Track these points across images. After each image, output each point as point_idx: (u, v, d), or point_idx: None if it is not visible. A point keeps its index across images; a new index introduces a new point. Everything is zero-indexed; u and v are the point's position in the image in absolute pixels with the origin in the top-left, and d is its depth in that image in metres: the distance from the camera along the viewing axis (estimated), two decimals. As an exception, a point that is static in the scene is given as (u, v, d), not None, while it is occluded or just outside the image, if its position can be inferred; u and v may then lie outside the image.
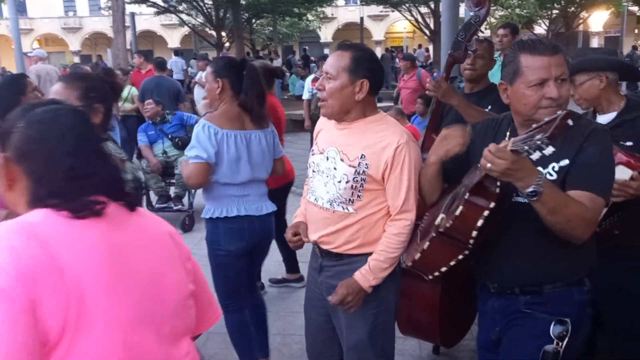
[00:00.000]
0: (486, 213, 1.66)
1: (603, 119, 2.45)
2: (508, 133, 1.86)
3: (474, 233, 1.68)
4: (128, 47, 16.62)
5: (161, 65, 8.18)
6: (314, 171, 2.20)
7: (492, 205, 1.65)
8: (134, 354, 1.05)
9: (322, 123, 2.31)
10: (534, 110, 1.72)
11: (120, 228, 1.13)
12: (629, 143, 2.30)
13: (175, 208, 5.93)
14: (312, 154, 2.24)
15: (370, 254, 2.13)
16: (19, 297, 0.92)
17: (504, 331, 1.91)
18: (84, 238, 1.05)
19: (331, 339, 2.33)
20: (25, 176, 1.11)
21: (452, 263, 1.82)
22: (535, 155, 1.49)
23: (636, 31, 33.54)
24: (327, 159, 2.14)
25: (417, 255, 1.88)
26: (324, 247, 2.17)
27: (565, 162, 1.72)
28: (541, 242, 1.75)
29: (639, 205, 2.35)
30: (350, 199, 2.08)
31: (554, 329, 1.75)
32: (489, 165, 1.55)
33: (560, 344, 1.74)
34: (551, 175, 1.73)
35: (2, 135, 1.14)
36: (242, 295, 2.97)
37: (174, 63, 15.34)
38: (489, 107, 3.09)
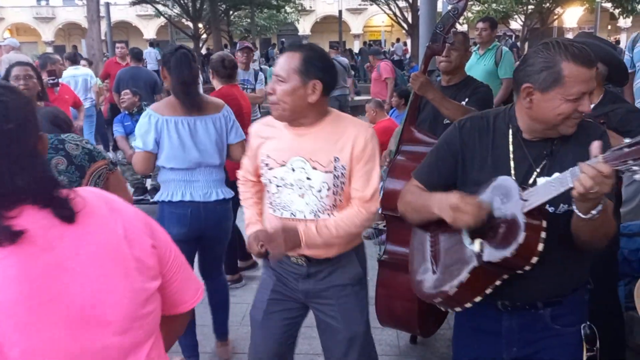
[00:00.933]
0: (544, 235, 1.49)
1: None
2: (511, 138, 1.73)
3: (534, 259, 1.50)
4: (103, 37, 16.35)
5: (138, 55, 8.06)
6: (278, 186, 2.04)
7: (544, 224, 1.50)
8: None
9: (265, 133, 2.11)
10: (563, 121, 1.59)
11: (50, 247, 0.98)
12: None
13: (152, 200, 5.87)
14: (269, 169, 2.05)
15: (357, 245, 2.18)
16: None
17: (524, 350, 1.77)
18: None
19: (287, 352, 2.30)
20: None
21: (488, 291, 1.62)
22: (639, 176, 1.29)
23: (609, 27, 34.11)
24: (293, 170, 2.01)
25: (453, 291, 1.63)
26: (312, 256, 2.10)
27: None
28: (563, 253, 1.64)
29: None
30: (333, 205, 2.03)
31: (584, 337, 1.73)
32: (590, 184, 1.33)
33: (594, 348, 1.71)
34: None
35: None
36: None
37: (148, 54, 15.38)
38: (465, 100, 3.13)
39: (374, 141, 2.02)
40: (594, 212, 1.42)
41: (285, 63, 1.94)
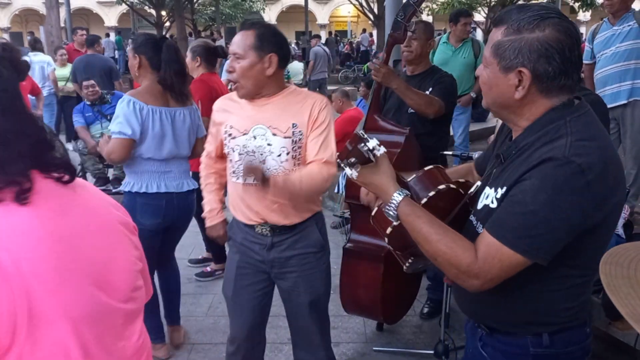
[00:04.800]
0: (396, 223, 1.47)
1: None
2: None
3: (387, 232, 1.49)
4: (62, 25, 15.87)
5: (90, 42, 7.82)
6: (240, 154, 2.17)
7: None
8: (90, 351, 0.99)
9: (229, 107, 2.25)
10: None
11: (64, 212, 0.99)
12: None
13: (114, 190, 5.75)
14: (232, 138, 2.19)
15: (316, 213, 2.31)
16: None
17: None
18: (24, 231, 0.92)
19: (262, 324, 2.43)
20: None
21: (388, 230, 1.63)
22: (348, 172, 1.42)
23: (569, 20, 34.83)
24: (255, 137, 2.14)
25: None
26: (276, 223, 2.21)
27: (504, 189, 1.35)
28: None
29: None
30: (292, 169, 2.15)
31: None
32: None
33: None
34: (493, 203, 1.38)
35: None
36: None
37: (105, 43, 15.21)
38: (430, 89, 3.15)
39: (329, 109, 2.20)
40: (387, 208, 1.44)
41: (241, 41, 2.07)
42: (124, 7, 27.57)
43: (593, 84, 4.39)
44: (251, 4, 30.68)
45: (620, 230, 3.21)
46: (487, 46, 1.38)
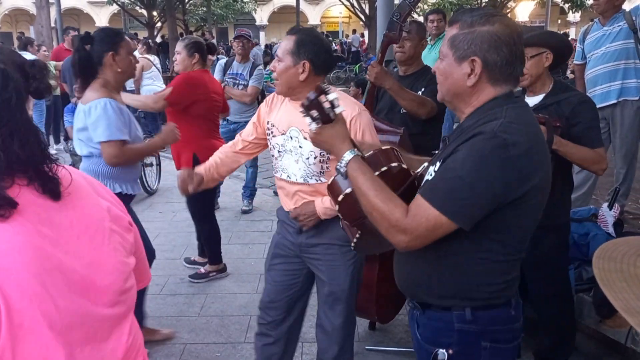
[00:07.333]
0: (346, 191, 1.62)
1: (532, 100, 2.53)
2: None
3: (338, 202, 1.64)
4: (52, 25, 15.78)
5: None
6: (279, 152, 2.31)
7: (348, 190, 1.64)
8: (76, 356, 1.00)
9: (273, 104, 2.38)
10: None
11: (46, 219, 0.99)
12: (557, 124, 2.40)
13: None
14: (273, 136, 2.33)
15: None
16: None
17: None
18: (3, 241, 0.92)
19: (289, 302, 2.48)
20: None
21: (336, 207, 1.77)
22: (308, 120, 1.56)
23: (559, 21, 35.08)
24: (291, 138, 2.27)
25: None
26: None
27: (441, 162, 1.48)
28: (411, 252, 1.51)
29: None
30: (321, 172, 2.25)
31: None
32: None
33: None
34: (431, 175, 1.50)
35: None
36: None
37: None
38: (422, 89, 3.16)
39: (360, 119, 2.18)
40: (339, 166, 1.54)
41: (284, 45, 2.21)
42: (115, 8, 27.42)
43: (584, 84, 4.42)
44: (243, 4, 30.63)
45: (610, 229, 3.24)
46: (444, 42, 1.53)
